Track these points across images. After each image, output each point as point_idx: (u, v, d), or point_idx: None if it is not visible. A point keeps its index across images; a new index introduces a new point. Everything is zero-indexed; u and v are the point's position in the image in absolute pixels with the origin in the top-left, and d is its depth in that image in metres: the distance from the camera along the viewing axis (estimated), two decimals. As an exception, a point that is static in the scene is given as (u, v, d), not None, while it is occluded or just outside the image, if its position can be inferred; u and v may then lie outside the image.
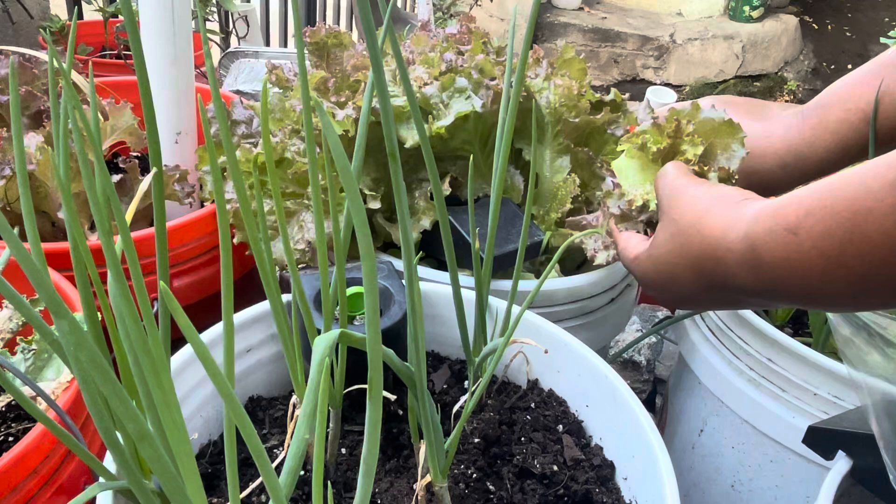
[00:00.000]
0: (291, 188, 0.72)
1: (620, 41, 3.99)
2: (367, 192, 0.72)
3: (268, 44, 2.17)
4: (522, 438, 0.58)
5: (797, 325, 0.87)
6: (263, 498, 0.50)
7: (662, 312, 1.37)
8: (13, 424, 0.57)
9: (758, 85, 4.13)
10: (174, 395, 0.31)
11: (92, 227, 0.81)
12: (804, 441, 0.57)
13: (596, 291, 0.77)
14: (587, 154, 0.78)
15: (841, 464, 0.54)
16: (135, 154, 0.92)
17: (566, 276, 0.74)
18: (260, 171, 0.72)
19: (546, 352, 0.63)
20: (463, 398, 0.57)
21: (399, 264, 0.68)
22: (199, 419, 0.56)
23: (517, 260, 0.58)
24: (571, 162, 0.78)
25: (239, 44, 1.70)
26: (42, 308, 0.60)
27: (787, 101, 4.09)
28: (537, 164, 0.78)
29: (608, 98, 0.81)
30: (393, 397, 0.52)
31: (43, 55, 0.96)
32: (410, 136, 0.70)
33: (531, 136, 0.58)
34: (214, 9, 1.56)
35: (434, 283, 0.67)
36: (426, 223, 0.72)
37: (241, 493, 0.49)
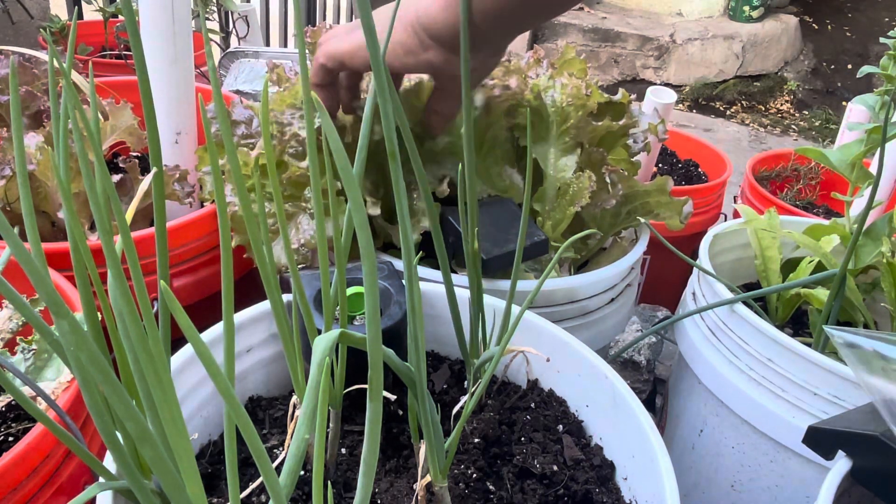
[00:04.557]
0: (289, 191, 0.72)
1: (620, 41, 3.99)
2: (366, 197, 0.71)
3: (268, 44, 2.17)
4: (522, 438, 0.58)
5: (797, 325, 0.87)
6: (263, 498, 0.50)
7: (662, 312, 1.37)
8: (13, 424, 0.57)
9: (758, 85, 4.14)
10: (174, 395, 0.31)
11: (92, 227, 0.81)
12: (804, 441, 0.57)
13: (596, 291, 0.77)
14: (601, 154, 0.78)
15: (841, 464, 0.54)
16: (135, 154, 0.92)
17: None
18: (259, 172, 0.72)
19: (548, 360, 0.63)
20: (463, 398, 0.57)
21: (399, 264, 0.68)
22: (199, 419, 0.56)
23: (515, 260, 0.58)
24: (585, 161, 0.78)
25: (239, 44, 1.70)
26: (42, 308, 0.60)
27: (787, 101, 4.09)
28: (542, 162, 0.78)
29: (616, 98, 0.81)
30: (393, 397, 0.52)
31: (43, 55, 0.96)
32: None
33: (537, 136, 0.58)
34: (214, 9, 1.56)
35: (434, 283, 0.67)
36: (427, 224, 0.72)
37: (241, 493, 0.49)
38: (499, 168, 0.78)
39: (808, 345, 0.68)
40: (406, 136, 0.47)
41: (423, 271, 0.71)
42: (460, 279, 0.66)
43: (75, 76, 0.88)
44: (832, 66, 4.36)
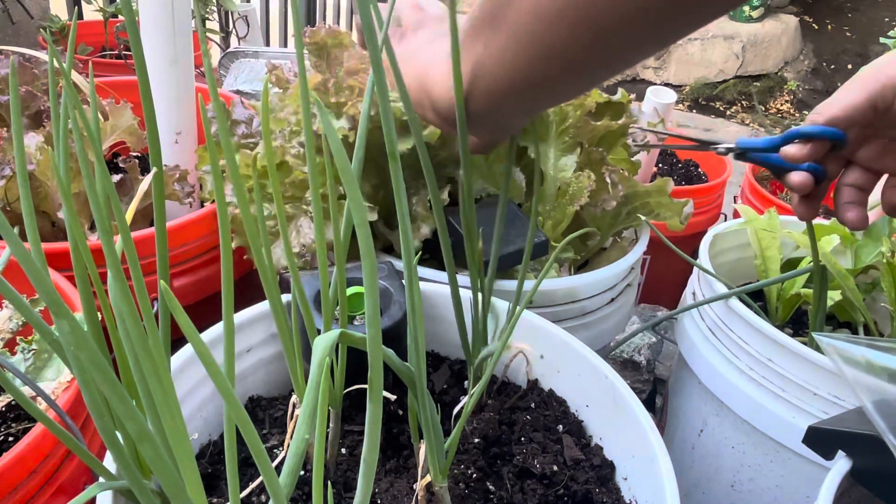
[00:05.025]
0: (290, 192, 0.72)
1: (620, 41, 3.98)
2: (365, 203, 0.71)
3: (268, 44, 2.17)
4: (522, 438, 0.58)
5: (797, 325, 0.87)
6: (263, 498, 0.50)
7: (662, 312, 1.37)
8: (13, 424, 0.57)
9: (758, 85, 4.14)
10: (174, 395, 0.31)
11: (92, 227, 0.81)
12: (804, 441, 0.57)
13: (595, 291, 0.77)
14: (601, 154, 0.78)
15: (841, 464, 0.54)
16: (135, 154, 0.92)
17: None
18: (259, 174, 0.72)
19: (542, 357, 0.63)
20: (463, 399, 0.57)
21: (399, 264, 0.68)
22: (199, 419, 0.56)
23: (524, 259, 0.58)
24: (584, 161, 0.78)
25: (239, 44, 1.70)
26: (42, 308, 0.60)
27: (787, 101, 4.09)
28: (542, 161, 0.78)
29: (616, 98, 0.81)
30: (393, 397, 0.52)
31: (43, 55, 0.96)
32: (404, 144, 0.69)
33: (537, 136, 0.58)
34: (214, 9, 1.56)
35: (434, 283, 0.67)
36: (426, 231, 0.72)
37: (241, 493, 0.49)
38: (500, 167, 0.78)
39: (808, 344, 0.68)
40: (420, 147, 0.47)
41: (423, 271, 0.71)
42: (460, 280, 0.66)
43: (75, 76, 0.88)
44: (832, 66, 4.36)
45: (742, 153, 0.60)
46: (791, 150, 0.55)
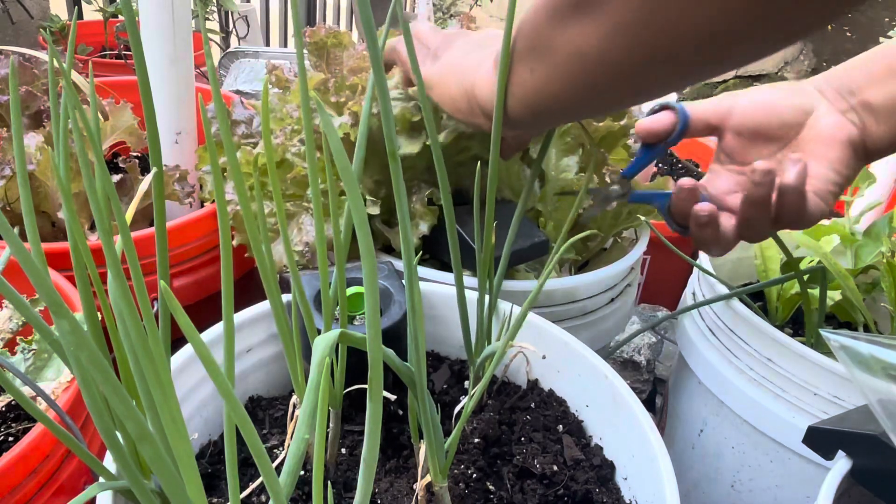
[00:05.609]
0: (291, 190, 0.72)
1: (620, 41, 3.98)
2: (367, 196, 0.71)
3: (268, 44, 2.17)
4: (522, 438, 0.58)
5: (797, 326, 0.87)
6: (263, 498, 0.50)
7: (662, 312, 1.37)
8: (13, 424, 0.57)
9: (758, 85, 4.13)
10: (174, 395, 0.31)
11: (92, 227, 0.81)
12: (804, 441, 0.57)
13: (595, 291, 0.77)
14: (602, 155, 0.78)
15: (841, 464, 0.54)
16: (135, 154, 0.92)
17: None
18: (260, 171, 0.72)
19: (544, 357, 0.63)
20: (463, 399, 0.57)
21: (399, 264, 0.68)
22: (199, 419, 0.56)
23: (549, 259, 0.58)
24: (586, 162, 0.78)
25: (239, 44, 1.70)
26: (42, 308, 0.60)
27: (787, 101, 4.09)
28: (544, 163, 0.78)
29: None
30: (393, 397, 0.52)
31: (43, 55, 0.96)
32: (412, 147, 0.69)
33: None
34: (214, 9, 1.56)
35: (434, 284, 0.67)
36: (424, 228, 0.72)
37: (241, 493, 0.49)
38: (517, 167, 0.78)
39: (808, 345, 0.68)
40: (435, 148, 0.47)
41: (423, 271, 0.71)
42: (470, 281, 0.66)
43: (75, 76, 0.88)
44: (832, 66, 4.35)
45: (630, 189, 0.63)
46: (643, 122, 0.60)
